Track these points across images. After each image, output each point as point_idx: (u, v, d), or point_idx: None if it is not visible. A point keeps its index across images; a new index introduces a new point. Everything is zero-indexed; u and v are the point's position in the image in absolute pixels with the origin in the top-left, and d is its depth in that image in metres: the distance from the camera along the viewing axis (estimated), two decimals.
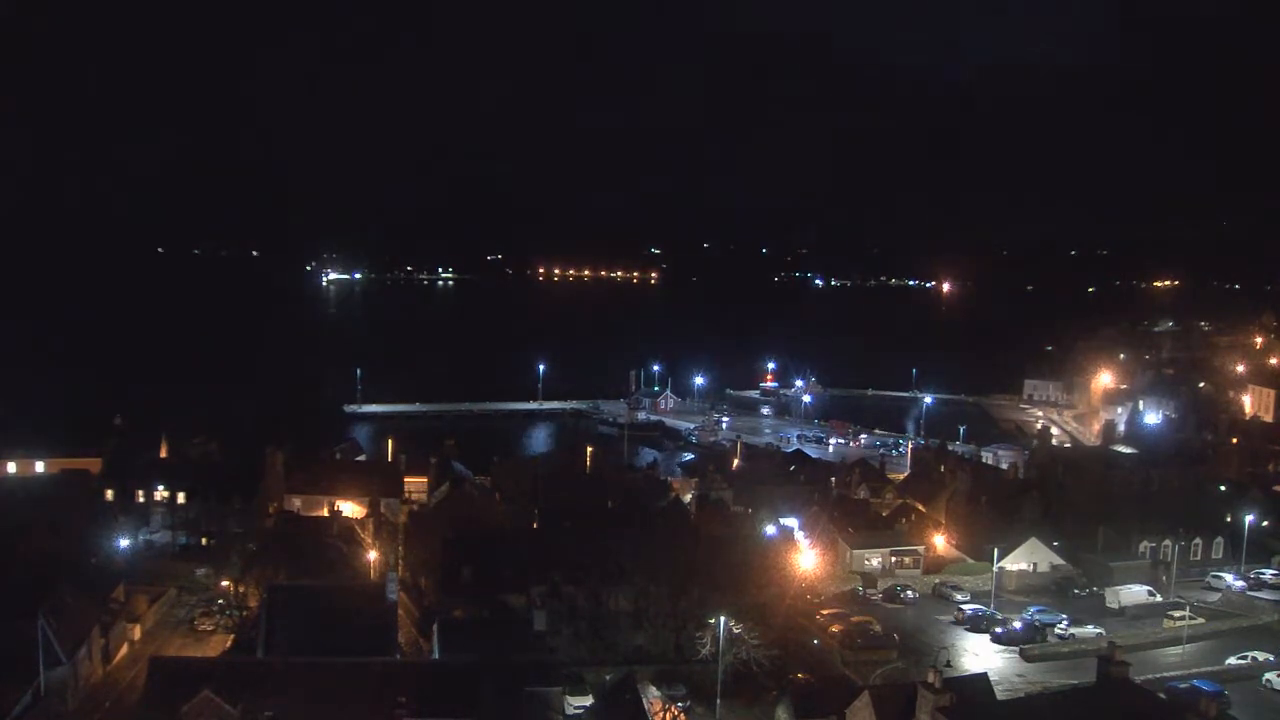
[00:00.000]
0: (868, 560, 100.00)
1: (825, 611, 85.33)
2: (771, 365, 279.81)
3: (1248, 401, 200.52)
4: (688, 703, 67.68)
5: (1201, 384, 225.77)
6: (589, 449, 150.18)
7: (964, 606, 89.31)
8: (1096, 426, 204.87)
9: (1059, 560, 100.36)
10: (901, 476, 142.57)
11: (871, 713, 54.48)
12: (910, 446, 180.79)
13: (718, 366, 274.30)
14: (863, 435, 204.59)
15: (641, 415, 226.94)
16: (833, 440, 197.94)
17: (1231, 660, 76.01)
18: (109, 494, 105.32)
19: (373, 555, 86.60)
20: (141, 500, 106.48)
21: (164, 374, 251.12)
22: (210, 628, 79.58)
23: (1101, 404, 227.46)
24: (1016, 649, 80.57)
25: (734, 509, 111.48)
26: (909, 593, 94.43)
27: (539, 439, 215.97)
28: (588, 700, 64.86)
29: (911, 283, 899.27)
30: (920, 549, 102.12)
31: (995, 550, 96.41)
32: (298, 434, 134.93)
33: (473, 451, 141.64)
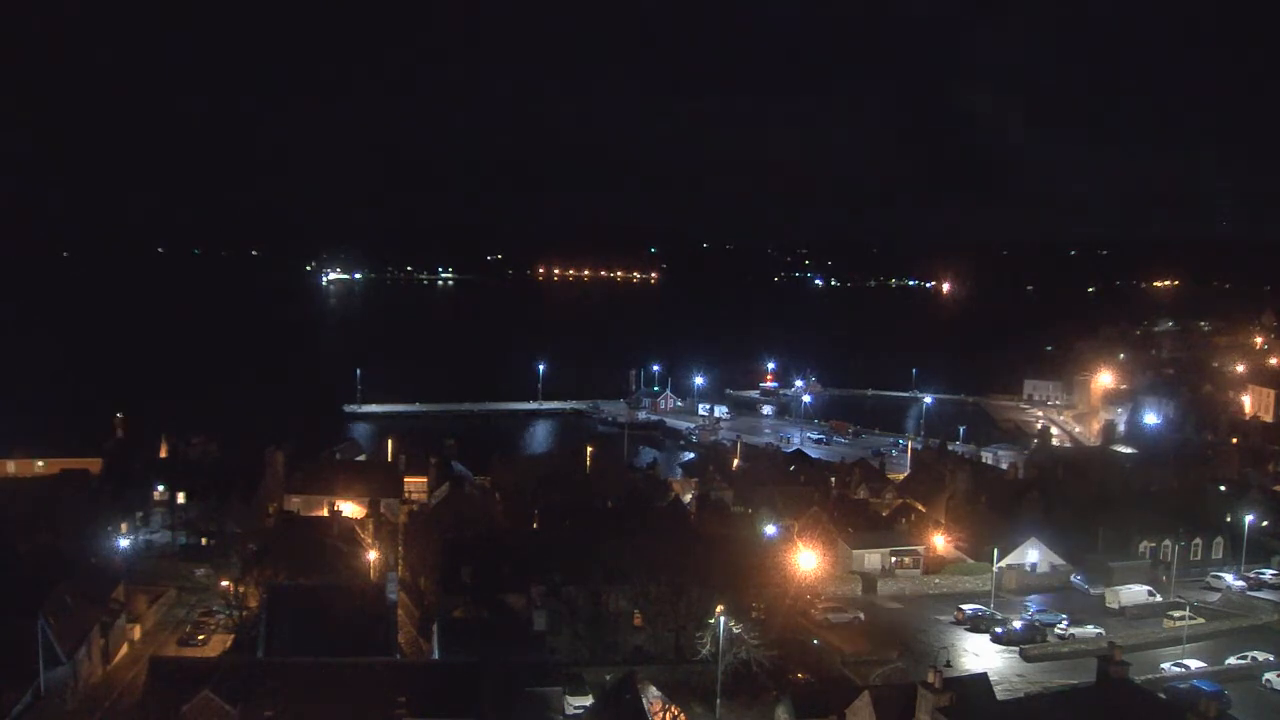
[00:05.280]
0: (868, 560, 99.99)
1: (821, 605, 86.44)
2: (771, 365, 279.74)
3: (1248, 401, 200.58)
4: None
5: (1202, 384, 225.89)
6: (589, 449, 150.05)
7: (964, 606, 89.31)
8: (1096, 426, 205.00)
9: (1059, 560, 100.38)
10: (901, 476, 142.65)
11: (871, 713, 54.44)
12: (910, 446, 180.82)
13: (718, 366, 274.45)
14: (861, 434, 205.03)
15: (641, 415, 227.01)
16: (833, 440, 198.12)
17: (1231, 660, 76.02)
18: (109, 494, 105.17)
19: (373, 555, 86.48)
20: (141, 500, 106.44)
21: (163, 374, 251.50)
22: (203, 637, 79.50)
23: (1101, 404, 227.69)
24: (1016, 649, 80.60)
25: (734, 509, 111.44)
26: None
27: (539, 439, 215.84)
28: (588, 700, 64.74)
29: (911, 283, 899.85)
30: (920, 549, 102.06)
31: (995, 550, 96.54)
32: (298, 434, 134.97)
33: (473, 451, 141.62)
